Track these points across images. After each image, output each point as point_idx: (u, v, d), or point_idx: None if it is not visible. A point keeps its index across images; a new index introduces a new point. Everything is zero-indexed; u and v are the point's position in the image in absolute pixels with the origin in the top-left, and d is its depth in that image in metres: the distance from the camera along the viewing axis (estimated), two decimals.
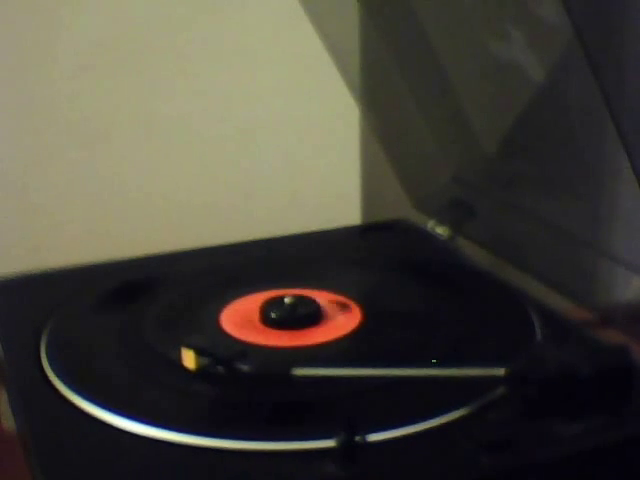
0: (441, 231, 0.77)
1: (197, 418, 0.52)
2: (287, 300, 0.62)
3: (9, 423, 0.57)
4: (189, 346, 0.54)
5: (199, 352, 0.54)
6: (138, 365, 0.58)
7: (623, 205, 0.59)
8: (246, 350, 0.56)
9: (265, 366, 0.55)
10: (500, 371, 0.51)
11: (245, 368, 0.54)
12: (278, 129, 0.93)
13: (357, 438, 0.46)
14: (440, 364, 0.56)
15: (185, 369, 0.54)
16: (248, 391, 0.54)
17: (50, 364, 0.58)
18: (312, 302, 0.63)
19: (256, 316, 0.62)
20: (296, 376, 0.53)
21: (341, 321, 0.62)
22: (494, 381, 0.51)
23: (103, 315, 0.65)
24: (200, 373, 0.54)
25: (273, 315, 0.62)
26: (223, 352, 0.55)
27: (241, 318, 0.63)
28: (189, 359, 0.54)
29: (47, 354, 0.59)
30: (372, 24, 0.77)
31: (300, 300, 0.63)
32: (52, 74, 0.86)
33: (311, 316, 0.62)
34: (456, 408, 0.51)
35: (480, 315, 0.64)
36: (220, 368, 0.54)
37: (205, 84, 0.90)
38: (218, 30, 0.89)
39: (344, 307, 0.64)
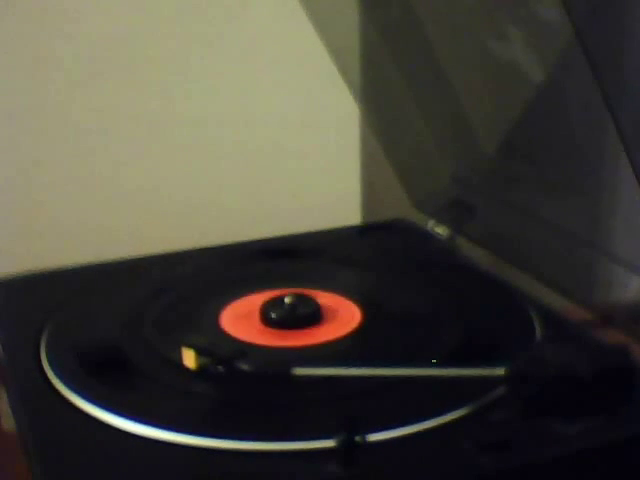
0: (441, 231, 0.77)
1: (197, 418, 0.52)
2: (287, 300, 0.62)
3: (9, 423, 0.57)
4: (189, 346, 0.54)
5: (199, 352, 0.54)
6: (138, 365, 0.58)
7: (623, 205, 0.59)
8: (246, 350, 0.56)
9: (265, 366, 0.55)
10: (500, 371, 0.51)
11: (245, 368, 0.54)
12: (278, 129, 0.93)
13: (357, 438, 0.46)
14: (440, 364, 0.56)
15: (185, 369, 0.54)
16: (248, 391, 0.54)
17: (50, 364, 0.58)
18: (312, 302, 0.63)
19: (256, 316, 0.62)
20: (296, 376, 0.53)
21: (341, 321, 0.62)
22: (494, 381, 0.51)
23: (103, 315, 0.65)
24: (200, 373, 0.54)
25: (273, 315, 0.62)
26: (223, 352, 0.55)
27: (241, 318, 0.63)
28: (189, 359, 0.54)
29: (47, 354, 0.59)
30: (372, 24, 0.77)
31: (300, 300, 0.63)
32: (53, 74, 0.86)
33: (311, 316, 0.62)
34: (456, 408, 0.51)
35: (480, 315, 0.64)
36: (220, 368, 0.54)
37: (205, 84, 0.90)
38: (218, 30, 0.89)
39: None
